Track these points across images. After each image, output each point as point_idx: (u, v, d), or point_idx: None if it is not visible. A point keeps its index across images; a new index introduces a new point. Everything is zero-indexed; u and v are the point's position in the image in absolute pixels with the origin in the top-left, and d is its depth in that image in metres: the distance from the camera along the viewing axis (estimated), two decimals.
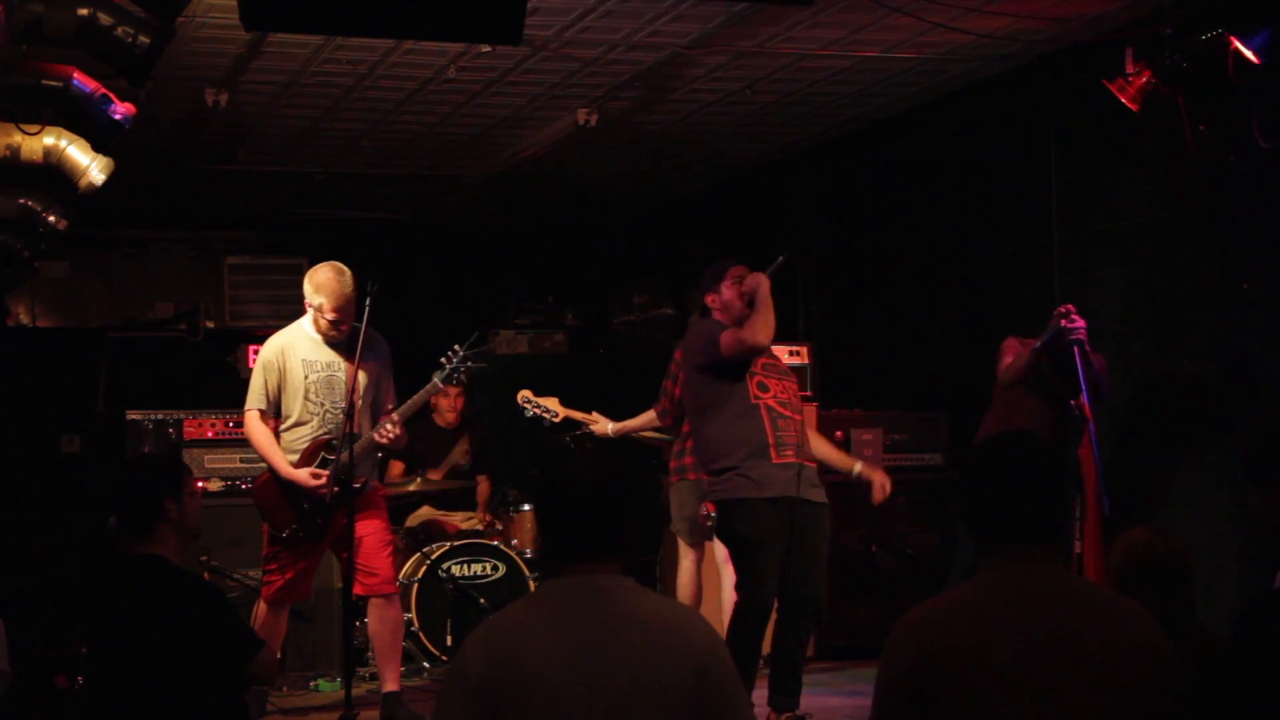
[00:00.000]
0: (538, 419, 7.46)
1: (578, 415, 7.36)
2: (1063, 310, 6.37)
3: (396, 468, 8.57)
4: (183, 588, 4.17)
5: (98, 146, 6.70)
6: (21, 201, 7.54)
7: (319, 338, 6.44)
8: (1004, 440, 3.03)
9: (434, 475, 8.43)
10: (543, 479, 3.04)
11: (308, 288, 6.41)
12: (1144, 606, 2.94)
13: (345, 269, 6.39)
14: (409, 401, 6.58)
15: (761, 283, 6.06)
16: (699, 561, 7.22)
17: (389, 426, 6.37)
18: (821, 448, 6.54)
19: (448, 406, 8.64)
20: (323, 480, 6.27)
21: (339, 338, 6.40)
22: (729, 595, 6.90)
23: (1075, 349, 6.37)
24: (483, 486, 8.80)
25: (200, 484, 7.95)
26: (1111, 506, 6.22)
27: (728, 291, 6.18)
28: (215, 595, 4.38)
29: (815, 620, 6.18)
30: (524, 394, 7.48)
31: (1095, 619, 2.79)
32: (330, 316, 6.34)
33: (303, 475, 6.31)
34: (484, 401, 8.98)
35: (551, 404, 7.46)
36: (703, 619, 2.99)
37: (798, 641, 6.09)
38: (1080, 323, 6.35)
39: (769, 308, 6.01)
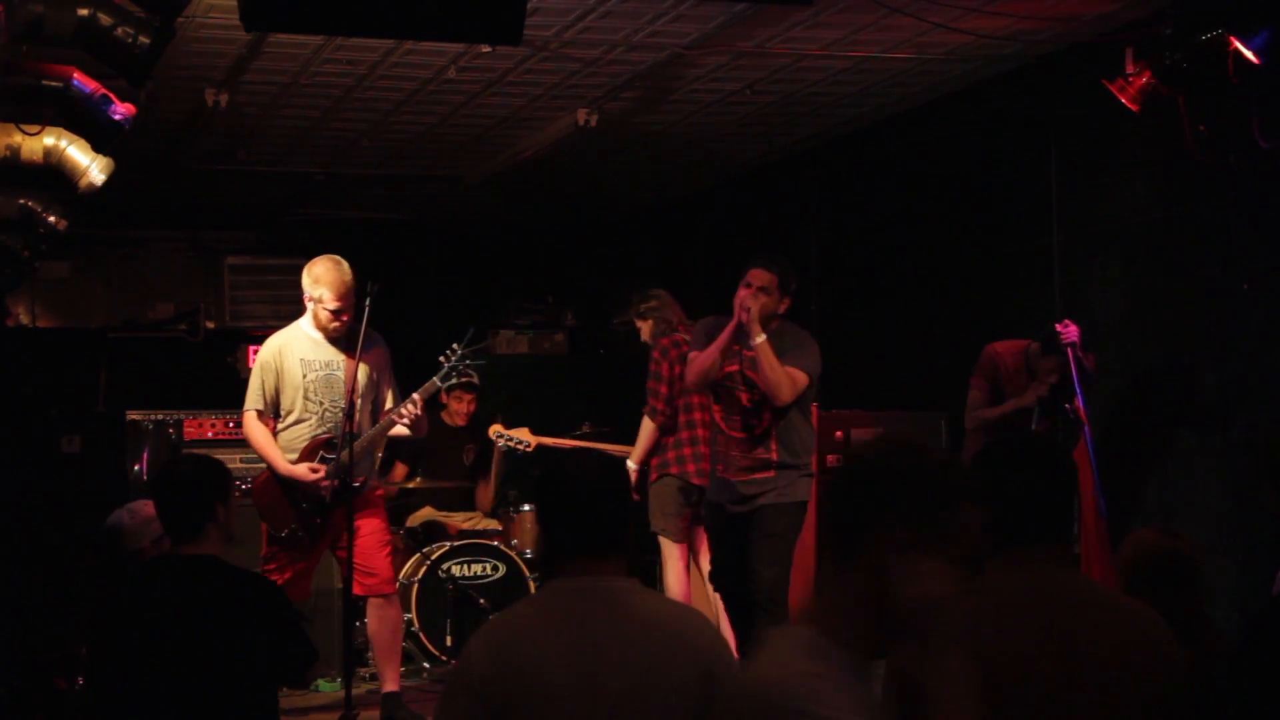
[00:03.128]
0: (512, 451, 7.56)
1: (551, 442, 7.38)
2: (1059, 328, 6.48)
3: (399, 469, 8.57)
4: (251, 590, 4.11)
5: (98, 146, 6.70)
6: (21, 201, 7.55)
7: (318, 336, 6.44)
8: (1014, 442, 3.03)
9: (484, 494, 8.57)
10: (544, 480, 3.04)
11: (306, 281, 6.41)
12: (1154, 606, 2.94)
13: (342, 260, 6.40)
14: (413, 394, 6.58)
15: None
16: (685, 559, 7.24)
17: (410, 407, 6.36)
18: None
19: (459, 410, 8.67)
20: (321, 474, 6.27)
21: (340, 330, 6.40)
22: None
23: (1069, 351, 6.40)
24: (484, 493, 8.78)
25: None
26: (1109, 509, 6.23)
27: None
28: (284, 599, 4.29)
29: None
30: (495, 428, 7.59)
31: (1102, 620, 2.78)
32: (332, 306, 6.33)
33: (301, 470, 6.32)
34: (486, 402, 8.98)
35: (523, 434, 7.53)
36: (706, 620, 2.98)
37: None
38: (1073, 327, 6.41)
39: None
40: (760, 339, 6.22)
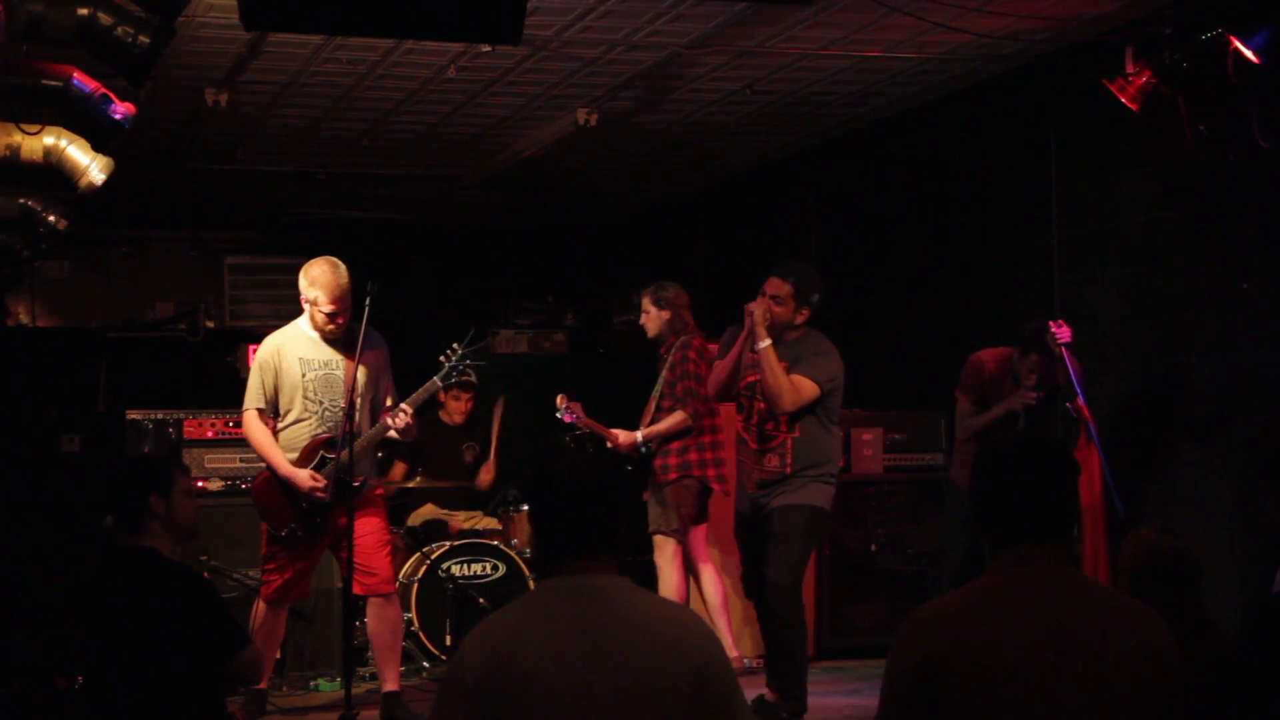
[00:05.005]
0: (569, 422, 7.56)
1: (595, 426, 7.36)
2: (1054, 329, 6.44)
3: (398, 468, 8.57)
4: (171, 577, 4.17)
5: (98, 146, 6.70)
6: (21, 201, 7.55)
7: (316, 336, 6.43)
8: (1016, 441, 3.03)
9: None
10: (535, 478, 3.03)
11: (303, 282, 6.40)
12: (1154, 605, 2.94)
13: (339, 262, 6.39)
14: (407, 400, 6.57)
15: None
16: (681, 559, 7.24)
17: (401, 416, 6.35)
18: None
19: (457, 409, 8.67)
20: (321, 485, 6.26)
21: (336, 332, 6.39)
22: (712, 590, 7.17)
23: (1064, 351, 6.39)
24: (489, 471, 8.65)
25: (200, 484, 8.00)
26: (1126, 509, 6.24)
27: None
28: (202, 586, 4.37)
29: None
30: (562, 397, 7.54)
31: (1102, 620, 2.78)
32: (326, 309, 6.32)
33: (302, 476, 6.30)
34: (486, 404, 8.97)
35: (578, 409, 7.54)
36: (699, 619, 2.98)
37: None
38: (1066, 328, 6.40)
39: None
40: (764, 344, 6.20)
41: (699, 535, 7.43)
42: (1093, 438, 6.42)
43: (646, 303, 7.41)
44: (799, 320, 6.35)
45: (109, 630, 4.08)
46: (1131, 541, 3.98)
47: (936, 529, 8.13)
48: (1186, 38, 6.28)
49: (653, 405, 7.33)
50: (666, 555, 7.17)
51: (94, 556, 5.43)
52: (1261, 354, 6.32)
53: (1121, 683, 2.72)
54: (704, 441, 7.14)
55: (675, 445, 7.19)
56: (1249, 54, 6.04)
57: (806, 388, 6.24)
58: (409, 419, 6.38)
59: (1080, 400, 6.43)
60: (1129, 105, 6.48)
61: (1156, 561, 3.88)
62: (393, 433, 6.42)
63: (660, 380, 7.27)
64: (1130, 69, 6.50)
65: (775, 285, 6.30)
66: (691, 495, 7.07)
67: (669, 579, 7.18)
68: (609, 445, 7.34)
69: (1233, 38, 6.06)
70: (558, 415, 7.46)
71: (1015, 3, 6.48)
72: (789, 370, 6.26)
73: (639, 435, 7.20)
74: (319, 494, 6.27)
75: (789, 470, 6.29)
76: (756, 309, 6.25)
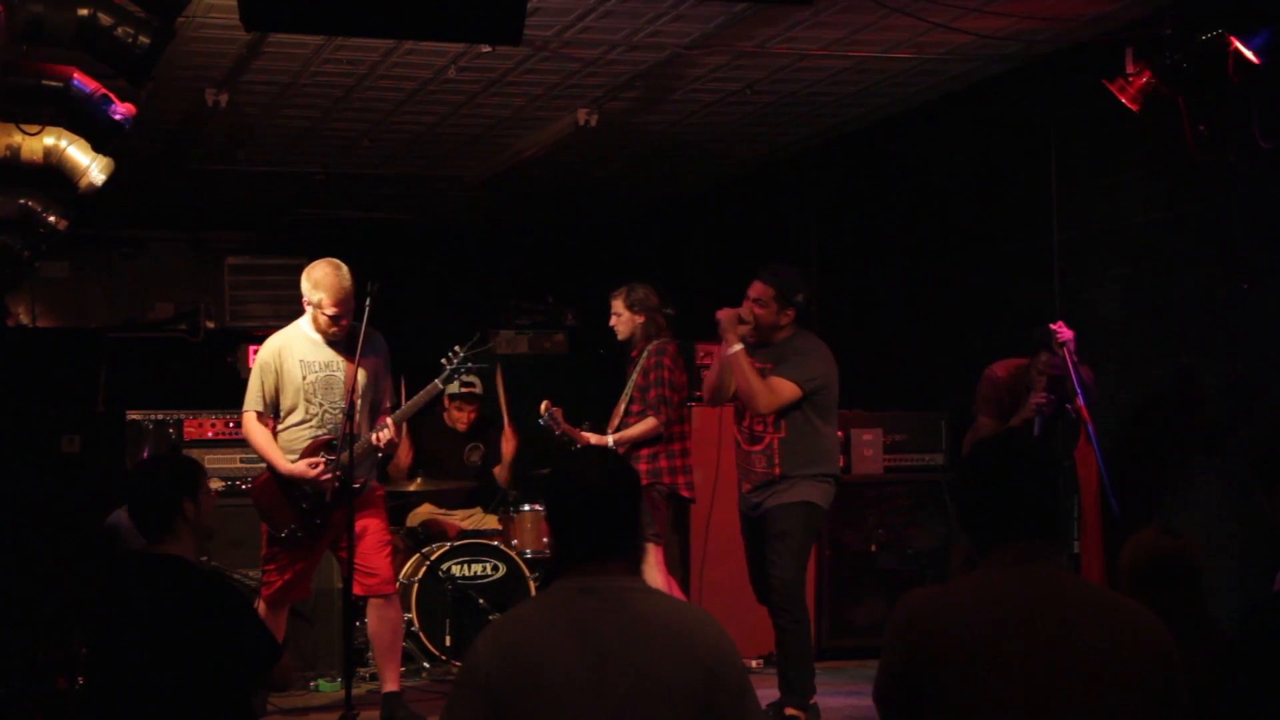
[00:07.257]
0: (549, 427, 7.54)
1: (570, 430, 7.34)
2: (1053, 328, 6.44)
3: (405, 460, 8.51)
4: (209, 589, 4.09)
5: (98, 146, 6.70)
6: (21, 201, 7.54)
7: (317, 338, 6.43)
8: (999, 440, 3.05)
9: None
10: (551, 481, 3.04)
11: (305, 284, 6.41)
12: (1155, 605, 2.95)
13: (342, 264, 6.39)
14: (407, 404, 6.58)
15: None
16: (664, 562, 7.23)
17: (384, 432, 6.38)
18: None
19: (461, 418, 8.63)
20: (321, 467, 6.27)
21: (339, 334, 6.39)
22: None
23: (1065, 351, 6.39)
24: (509, 441, 8.54)
25: None
26: (1120, 508, 6.23)
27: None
28: (241, 598, 4.27)
29: None
30: (546, 403, 7.52)
31: (1093, 618, 2.79)
32: (330, 311, 6.33)
33: (301, 467, 6.31)
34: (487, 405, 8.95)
35: (559, 414, 7.53)
36: (711, 619, 2.98)
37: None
38: (1068, 330, 6.40)
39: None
40: (734, 349, 6.30)
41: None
42: (1091, 438, 6.42)
43: (618, 305, 7.40)
44: (784, 321, 6.44)
45: (143, 641, 3.96)
46: (1132, 542, 3.99)
47: (937, 529, 8.15)
48: (1186, 38, 6.28)
49: (621, 409, 7.30)
50: (649, 560, 7.15)
51: (104, 565, 5.35)
52: (1262, 354, 6.32)
53: (1113, 680, 2.73)
54: (674, 449, 7.10)
55: (645, 452, 7.11)
56: (1249, 54, 6.04)
57: (783, 389, 6.32)
58: (392, 434, 6.40)
59: (1080, 401, 6.43)
60: (1129, 105, 6.48)
61: (1156, 562, 3.89)
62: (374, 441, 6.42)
63: (630, 384, 7.22)
64: (1130, 69, 6.50)
65: (757, 289, 6.41)
66: (660, 501, 7.06)
67: (655, 583, 7.16)
68: (578, 447, 7.31)
69: (1233, 38, 6.06)
70: (540, 422, 7.45)
71: (1016, 3, 6.48)
72: (772, 371, 6.32)
73: (609, 439, 7.15)
74: (324, 477, 6.27)
75: (777, 472, 6.36)
76: (723, 315, 6.36)
